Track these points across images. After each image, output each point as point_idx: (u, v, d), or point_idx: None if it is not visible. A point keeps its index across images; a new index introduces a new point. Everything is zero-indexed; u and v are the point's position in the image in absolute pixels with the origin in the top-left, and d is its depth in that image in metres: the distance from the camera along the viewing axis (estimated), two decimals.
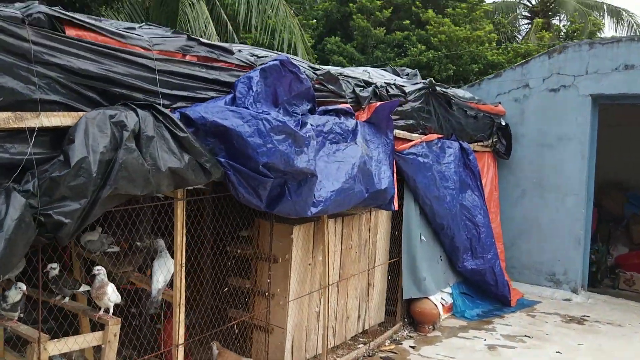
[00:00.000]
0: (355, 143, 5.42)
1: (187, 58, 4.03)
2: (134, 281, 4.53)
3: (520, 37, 22.94)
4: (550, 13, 23.22)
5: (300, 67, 4.75)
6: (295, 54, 15.83)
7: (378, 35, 18.53)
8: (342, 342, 6.69)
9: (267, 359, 5.66)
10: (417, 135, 6.93)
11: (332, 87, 5.38)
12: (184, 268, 4.17)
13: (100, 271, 3.82)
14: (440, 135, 7.40)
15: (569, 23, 20.50)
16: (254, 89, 4.12)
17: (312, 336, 6.08)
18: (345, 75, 5.87)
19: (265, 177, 4.08)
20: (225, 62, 4.30)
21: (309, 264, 5.84)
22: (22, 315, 3.66)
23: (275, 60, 4.38)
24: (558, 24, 22.84)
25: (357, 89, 5.85)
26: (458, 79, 17.97)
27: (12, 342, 4.44)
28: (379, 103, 6.03)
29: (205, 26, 13.74)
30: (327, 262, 5.79)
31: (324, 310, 5.87)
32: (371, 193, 5.56)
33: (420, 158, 6.79)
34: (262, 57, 4.66)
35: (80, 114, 3.34)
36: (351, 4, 18.95)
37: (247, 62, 4.44)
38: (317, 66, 5.47)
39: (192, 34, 12.83)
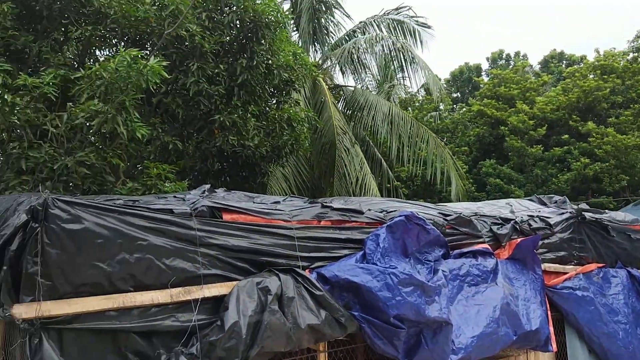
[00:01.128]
0: (496, 283, 5.38)
1: (322, 223, 4.62)
2: None
3: None
4: None
5: (429, 216, 5.07)
6: (448, 181, 16.20)
7: (535, 153, 18.14)
8: None
9: None
10: (571, 267, 6.58)
11: (465, 230, 5.55)
12: None
13: None
14: (600, 265, 6.90)
15: None
16: (382, 244, 4.51)
17: None
18: (480, 215, 6.01)
19: (397, 328, 4.29)
20: (356, 221, 4.80)
21: None
22: None
23: (401, 215, 4.77)
24: None
25: (495, 227, 5.92)
26: (635, 189, 16.50)
27: None
28: (520, 239, 5.98)
29: (361, 167, 14.89)
30: None
31: None
32: (520, 335, 5.35)
33: (578, 292, 6.37)
34: (391, 211, 5.09)
35: (234, 283, 4.01)
36: (503, 127, 19.07)
37: (377, 218, 4.90)
38: (449, 211, 5.72)
39: (348, 176, 13.93)
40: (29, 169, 7.36)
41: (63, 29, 8.63)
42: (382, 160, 17.35)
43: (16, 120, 6.95)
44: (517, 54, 30.36)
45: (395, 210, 5.10)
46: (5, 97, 6.71)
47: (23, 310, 3.22)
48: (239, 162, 10.56)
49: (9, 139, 7.34)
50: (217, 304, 3.93)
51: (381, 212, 5.04)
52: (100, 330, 3.49)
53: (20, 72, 7.31)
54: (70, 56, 9.19)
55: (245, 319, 3.83)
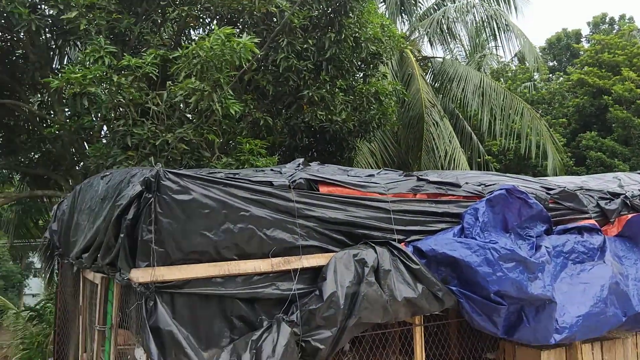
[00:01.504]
0: (604, 262, 5.07)
1: (418, 196, 4.55)
2: None
3: None
4: None
5: (530, 190, 4.84)
6: (544, 154, 15.37)
7: None
8: None
9: None
10: None
11: (569, 204, 5.25)
12: None
13: None
14: None
15: None
16: (481, 219, 4.37)
17: None
18: (586, 190, 5.65)
19: (497, 304, 4.17)
20: (453, 195, 4.68)
21: None
22: None
23: (501, 189, 4.59)
24: None
25: (602, 202, 5.55)
26: None
27: None
28: (631, 215, 5.57)
29: (450, 140, 14.48)
30: None
31: None
32: (630, 317, 5.03)
33: None
34: (490, 185, 4.91)
35: (331, 254, 4.06)
36: (606, 97, 17.73)
37: (475, 192, 4.74)
38: (552, 185, 5.43)
39: (437, 150, 13.62)
40: (134, 145, 7.84)
41: (161, 11, 9.01)
42: (472, 134, 16.74)
43: (121, 99, 7.39)
44: (622, 16, 27.95)
45: (494, 184, 4.92)
46: (112, 77, 7.13)
47: (140, 275, 3.45)
48: (327, 137, 10.63)
49: (115, 117, 7.84)
50: (315, 275, 4.01)
51: (479, 185, 4.88)
52: (207, 295, 3.68)
53: (123, 54, 7.75)
54: (167, 37, 9.60)
55: (343, 290, 3.88)
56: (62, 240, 6.24)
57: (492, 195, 4.55)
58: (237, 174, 4.28)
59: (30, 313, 10.08)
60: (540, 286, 4.33)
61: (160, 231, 3.52)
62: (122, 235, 3.64)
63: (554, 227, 5.09)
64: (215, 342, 3.67)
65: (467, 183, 4.86)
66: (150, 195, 3.53)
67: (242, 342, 3.65)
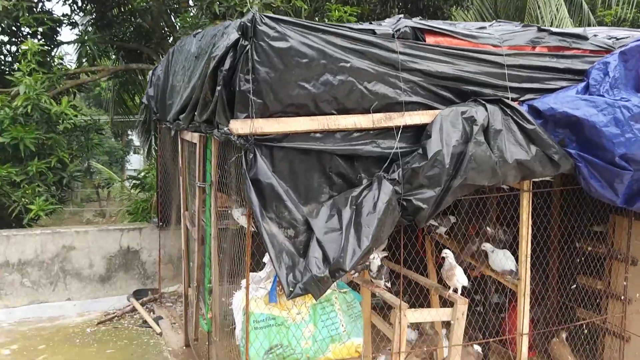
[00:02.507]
0: None
1: (537, 50, 4.04)
2: (480, 268, 4.79)
3: None
4: None
5: None
6: None
7: None
8: None
9: None
10: None
11: None
12: (528, 259, 4.21)
13: (448, 254, 4.21)
14: None
15: None
16: (611, 74, 3.83)
17: None
18: None
19: (622, 169, 3.76)
20: (578, 49, 4.11)
21: None
22: (387, 285, 4.34)
23: (637, 40, 3.95)
24: None
25: None
26: None
27: (377, 308, 5.30)
28: None
29: (557, 9, 13.03)
30: None
31: None
32: None
33: None
34: (622, 38, 4.26)
35: (436, 112, 3.76)
36: None
37: (604, 46, 4.14)
38: None
39: (541, 21, 12.37)
40: (221, 13, 7.63)
41: None
42: (584, 3, 14.94)
43: None
44: None
45: (627, 37, 4.26)
46: None
47: (239, 126, 3.36)
48: (420, 5, 9.88)
49: None
50: (418, 133, 3.75)
51: (610, 39, 4.24)
52: (306, 150, 3.55)
53: None
54: None
55: (449, 149, 3.62)
56: (159, 105, 6.34)
57: (626, 47, 3.93)
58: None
59: (134, 182, 10.74)
60: None
61: (258, 81, 3.35)
62: (219, 87, 3.51)
63: None
64: (315, 197, 3.61)
65: (595, 35, 4.24)
66: (246, 43, 3.32)
67: (341, 197, 3.56)
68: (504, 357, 5.87)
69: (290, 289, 3.29)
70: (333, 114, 3.59)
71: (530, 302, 6.46)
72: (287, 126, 3.48)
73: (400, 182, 3.57)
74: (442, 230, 5.12)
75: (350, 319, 3.83)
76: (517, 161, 3.77)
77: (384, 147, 3.68)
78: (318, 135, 3.57)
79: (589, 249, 5.57)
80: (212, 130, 3.91)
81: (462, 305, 4.06)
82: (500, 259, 4.50)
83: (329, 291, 3.79)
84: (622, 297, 4.92)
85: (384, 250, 4.79)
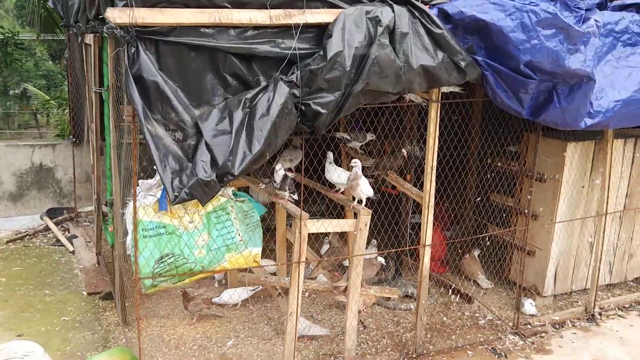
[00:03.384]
0: None
1: None
2: (394, 183, 4.74)
3: None
4: None
5: None
6: None
7: None
8: (620, 282, 5.88)
9: (526, 281, 5.39)
10: None
11: None
12: (434, 171, 4.17)
13: (355, 164, 4.11)
14: None
15: None
16: None
17: (582, 267, 5.49)
18: None
19: (527, 78, 3.68)
20: None
21: (583, 187, 5.18)
22: (294, 196, 4.23)
23: None
24: None
25: None
26: None
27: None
28: None
29: None
30: (607, 187, 5.04)
31: (599, 241, 5.20)
32: None
33: None
34: None
35: (340, 10, 3.52)
36: None
37: None
38: None
39: None
40: None
41: None
42: None
43: None
44: None
45: None
46: None
47: (116, 15, 3.02)
48: None
49: None
50: (321, 34, 3.52)
51: None
52: (197, 47, 3.27)
53: None
54: None
55: (351, 50, 3.42)
56: (63, 7, 5.79)
57: None
58: None
59: (60, 100, 10.11)
60: (581, 60, 3.76)
61: None
62: None
63: (609, 2, 4.35)
64: (208, 99, 3.37)
65: None
66: None
67: (234, 100, 3.34)
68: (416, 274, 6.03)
69: (175, 193, 3.11)
70: (226, 7, 3.30)
71: (448, 220, 6.68)
72: (173, 17, 3.17)
73: (298, 85, 3.37)
74: (356, 145, 5.01)
75: (247, 228, 3.72)
76: (423, 67, 3.62)
77: (283, 48, 3.44)
78: (209, 30, 3.28)
79: (501, 165, 5.64)
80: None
81: (365, 216, 4.01)
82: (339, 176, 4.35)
83: (223, 199, 3.65)
84: (526, 211, 5.02)
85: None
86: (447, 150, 5.05)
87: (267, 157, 3.31)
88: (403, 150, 4.67)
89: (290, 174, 4.40)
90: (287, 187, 4.06)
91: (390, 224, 4.83)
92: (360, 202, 4.15)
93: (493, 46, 3.69)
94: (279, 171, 4.03)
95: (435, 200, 4.22)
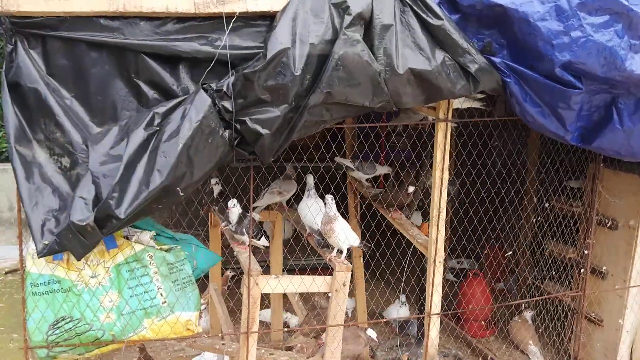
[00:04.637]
0: None
1: None
2: (395, 225, 3.67)
3: None
4: None
5: None
6: None
7: None
8: None
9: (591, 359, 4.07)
10: None
11: None
12: (443, 214, 3.07)
13: (327, 200, 3.08)
14: None
15: None
16: None
17: None
18: None
19: (567, 86, 2.53)
20: None
21: None
22: (263, 242, 3.31)
23: None
24: None
25: None
26: None
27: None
28: None
29: None
30: None
31: None
32: None
33: None
34: None
35: None
36: None
37: None
38: None
39: None
40: None
41: None
42: None
43: None
44: None
45: None
46: None
47: None
48: None
49: None
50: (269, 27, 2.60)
51: None
52: (98, 45, 2.48)
53: None
54: None
55: (304, 48, 2.46)
56: None
57: None
58: None
59: None
60: None
61: None
62: None
63: None
64: (114, 114, 2.55)
65: None
66: None
67: (143, 115, 2.48)
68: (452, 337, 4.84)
69: (45, 241, 2.30)
70: None
71: (495, 271, 5.41)
72: (61, 5, 2.39)
73: (230, 96, 2.46)
74: (361, 176, 4.00)
75: (174, 285, 2.80)
76: (413, 72, 2.58)
77: (218, 46, 2.55)
78: (114, 23, 2.47)
79: (560, 205, 4.38)
80: None
81: (342, 272, 2.98)
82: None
83: (138, 247, 2.77)
84: (588, 268, 3.74)
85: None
86: (496, 184, 3.92)
87: (181, 195, 2.41)
88: (409, 187, 3.58)
89: (255, 215, 3.48)
90: (244, 230, 3.13)
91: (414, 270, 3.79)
92: (340, 252, 3.12)
93: (516, 42, 2.59)
94: (233, 208, 3.11)
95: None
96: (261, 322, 4.83)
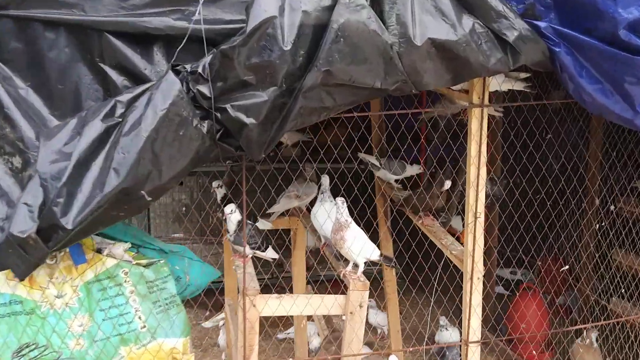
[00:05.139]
0: None
1: None
2: (425, 232, 3.12)
3: None
4: None
5: None
6: None
7: None
8: None
9: None
10: None
11: None
12: (480, 220, 2.51)
13: (337, 204, 2.58)
14: None
15: None
16: None
17: None
18: None
19: (636, 54, 1.95)
20: None
21: None
22: (268, 253, 2.86)
23: None
24: None
25: None
26: None
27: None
28: None
29: None
30: None
31: None
32: None
33: None
34: None
35: None
36: None
37: None
38: None
39: None
40: None
41: None
42: None
43: None
44: None
45: None
46: None
47: None
48: None
49: None
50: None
51: None
52: (55, 23, 2.10)
53: None
54: None
55: (295, 16, 1.99)
56: None
57: None
58: None
59: None
60: None
61: None
62: None
63: None
64: (78, 106, 2.16)
65: None
66: None
67: (103, 104, 2.07)
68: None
69: None
70: None
71: (548, 287, 4.72)
72: None
73: (206, 78, 2.02)
74: (389, 177, 3.47)
75: (154, 307, 2.37)
76: (434, 43, 2.06)
77: (198, 22, 2.13)
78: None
79: (629, 209, 3.71)
80: None
81: (358, 291, 2.47)
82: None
83: (112, 262, 2.36)
84: None
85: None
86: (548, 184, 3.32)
87: (148, 200, 1.98)
88: (445, 182, 3.02)
89: (264, 223, 3.03)
90: (245, 240, 2.68)
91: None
92: (356, 266, 2.61)
93: (567, 2, 2.02)
94: (231, 215, 2.67)
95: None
96: (288, 340, 4.40)
